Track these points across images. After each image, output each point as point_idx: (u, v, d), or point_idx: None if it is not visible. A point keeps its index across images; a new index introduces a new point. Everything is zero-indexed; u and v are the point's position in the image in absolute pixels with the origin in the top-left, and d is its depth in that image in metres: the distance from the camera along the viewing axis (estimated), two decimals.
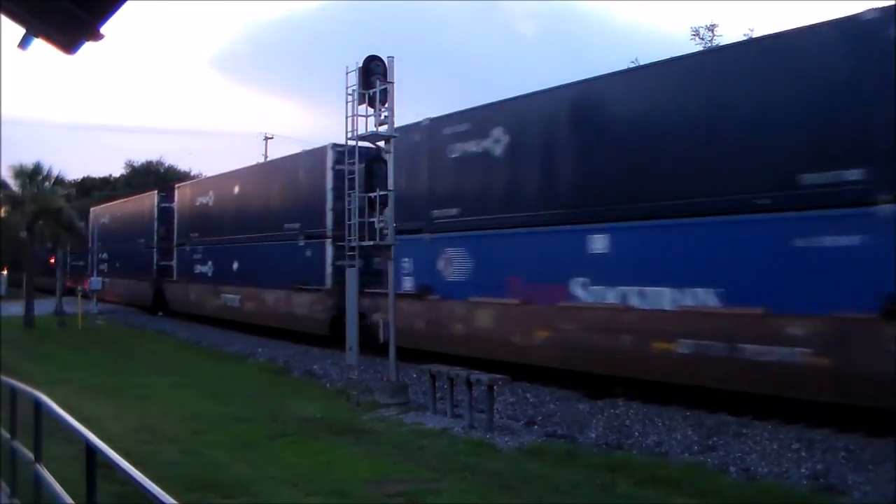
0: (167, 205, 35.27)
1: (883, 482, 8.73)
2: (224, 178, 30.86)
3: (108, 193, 59.79)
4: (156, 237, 35.72)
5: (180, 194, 34.32)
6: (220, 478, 8.98)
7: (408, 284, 17.95)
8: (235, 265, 27.34)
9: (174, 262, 33.85)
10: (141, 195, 41.28)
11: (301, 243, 22.71)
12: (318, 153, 22.34)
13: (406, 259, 17.73)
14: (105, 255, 43.52)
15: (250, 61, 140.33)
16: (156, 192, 37.44)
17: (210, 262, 29.89)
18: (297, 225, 23.11)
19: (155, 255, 35.65)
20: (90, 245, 43.52)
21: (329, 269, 21.29)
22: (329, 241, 21.27)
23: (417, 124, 18.03)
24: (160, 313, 35.73)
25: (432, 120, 17.90)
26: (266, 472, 9.45)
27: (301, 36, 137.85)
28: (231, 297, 27.46)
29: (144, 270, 36.71)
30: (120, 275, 41.14)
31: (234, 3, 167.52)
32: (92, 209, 47.45)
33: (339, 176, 19.46)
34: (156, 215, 35.88)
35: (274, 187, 25.59)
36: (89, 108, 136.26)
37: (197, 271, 31.06)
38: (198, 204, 31.82)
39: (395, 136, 14.56)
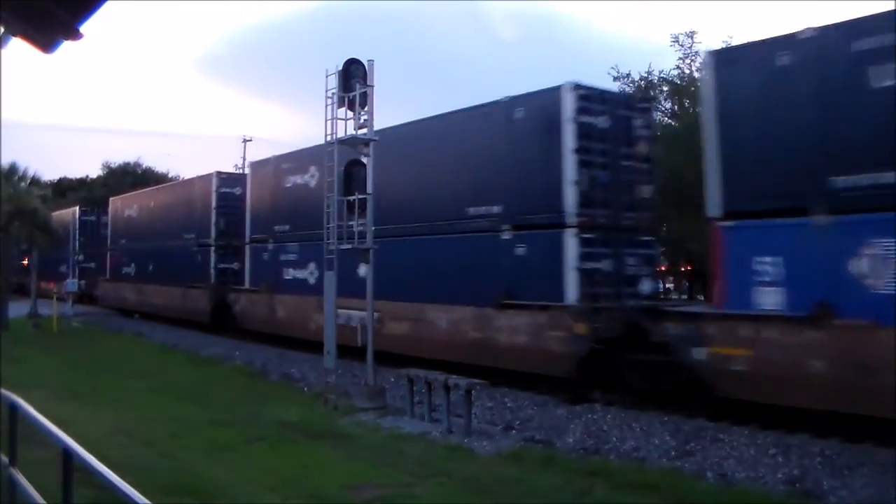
0: (230, 190, 28.10)
1: (859, 487, 8.83)
2: None
3: (84, 195, 59.20)
4: (214, 232, 28.13)
5: (258, 175, 25.66)
6: (197, 482, 8.90)
7: (771, 299, 11.50)
8: (362, 271, 17.95)
9: (247, 265, 25.85)
10: (189, 180, 33.71)
11: (506, 236, 15.58)
12: (548, 98, 15.11)
13: (764, 259, 11.56)
14: (130, 256, 35.87)
15: (231, 64, 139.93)
16: (214, 174, 29.01)
17: (313, 266, 21.35)
18: (496, 209, 15.96)
19: (213, 255, 28.11)
20: (108, 243, 39.28)
21: (572, 275, 14.34)
22: (571, 230, 14.44)
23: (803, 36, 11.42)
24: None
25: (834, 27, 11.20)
26: (243, 476, 9.38)
27: (282, 39, 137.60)
28: (362, 315, 18.13)
29: (196, 276, 28.44)
30: (155, 281, 32.48)
31: (214, 6, 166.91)
32: (112, 200, 40.43)
33: (584, 131, 14.75)
34: (214, 204, 28.24)
35: (442, 155, 17.78)
36: (66, 108, 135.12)
37: (289, 277, 22.95)
38: (289, 185, 23.26)
39: (374, 140, 14.53)
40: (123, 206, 38.26)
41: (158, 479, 8.42)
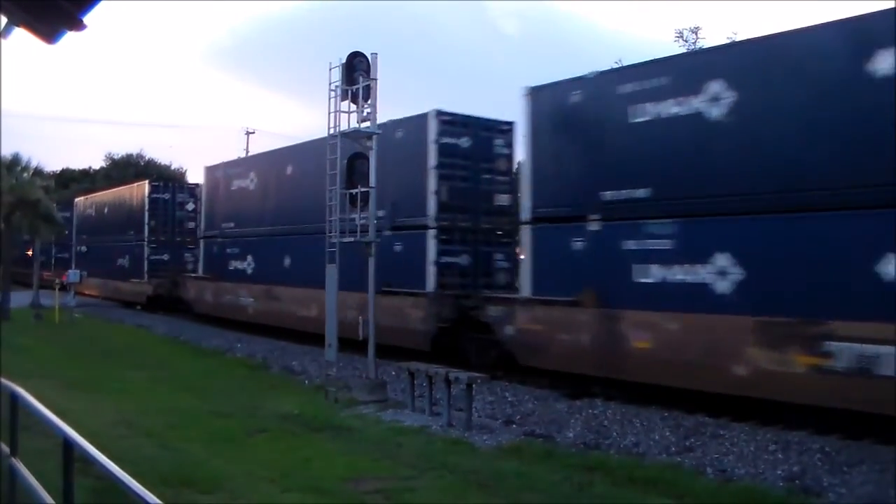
0: (455, 141, 17.64)
1: (858, 484, 8.82)
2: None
3: (86, 186, 59.22)
4: (433, 207, 17.45)
5: (548, 108, 14.92)
6: (197, 473, 8.91)
7: None
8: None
9: (527, 259, 15.28)
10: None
11: None
12: None
13: None
14: (243, 247, 25.87)
15: (236, 55, 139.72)
16: (433, 113, 17.22)
17: (726, 259, 11.69)
18: None
19: (430, 243, 17.36)
20: (200, 229, 30.31)
21: None
22: None
23: None
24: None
25: None
26: (243, 468, 9.39)
27: (288, 31, 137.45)
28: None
29: (392, 275, 17.11)
30: (299, 282, 21.45)
31: None
32: (207, 168, 29.57)
33: None
34: (432, 163, 17.40)
35: None
36: (69, 99, 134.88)
37: (652, 281, 12.72)
38: (642, 121, 12.98)
39: (377, 133, 14.52)
40: (230, 175, 27.23)
41: (158, 469, 8.44)
